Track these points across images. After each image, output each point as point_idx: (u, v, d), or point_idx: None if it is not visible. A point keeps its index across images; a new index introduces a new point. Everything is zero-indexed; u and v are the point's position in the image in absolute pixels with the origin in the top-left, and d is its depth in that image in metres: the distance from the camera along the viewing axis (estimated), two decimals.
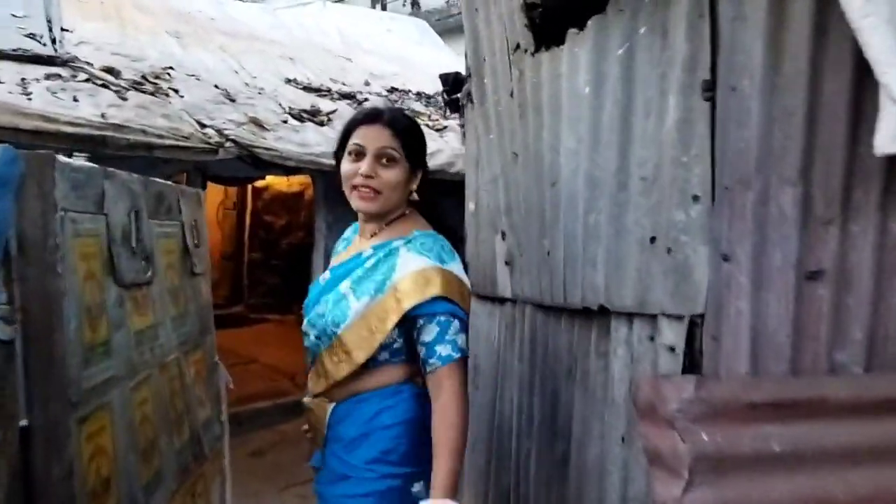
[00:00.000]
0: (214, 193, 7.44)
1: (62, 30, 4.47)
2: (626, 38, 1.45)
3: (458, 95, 2.61)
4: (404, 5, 12.22)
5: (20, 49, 3.67)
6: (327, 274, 1.51)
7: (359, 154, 1.40)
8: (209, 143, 3.55)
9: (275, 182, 7.14)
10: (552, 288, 1.69)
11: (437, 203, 1.62)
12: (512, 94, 1.87)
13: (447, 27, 10.96)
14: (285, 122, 4.20)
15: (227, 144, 3.58)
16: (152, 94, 3.84)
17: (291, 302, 7.07)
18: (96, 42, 4.52)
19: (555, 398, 1.71)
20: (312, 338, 1.44)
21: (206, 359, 2.06)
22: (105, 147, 3.22)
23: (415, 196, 1.51)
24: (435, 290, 1.36)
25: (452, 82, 2.72)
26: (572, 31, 1.60)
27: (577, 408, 1.58)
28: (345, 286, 1.41)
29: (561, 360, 1.69)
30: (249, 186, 7.04)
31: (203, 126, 3.65)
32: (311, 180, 4.75)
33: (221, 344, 2.26)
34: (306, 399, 1.53)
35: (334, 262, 1.55)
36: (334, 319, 1.39)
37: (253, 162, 3.82)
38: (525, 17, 1.72)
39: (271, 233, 7.21)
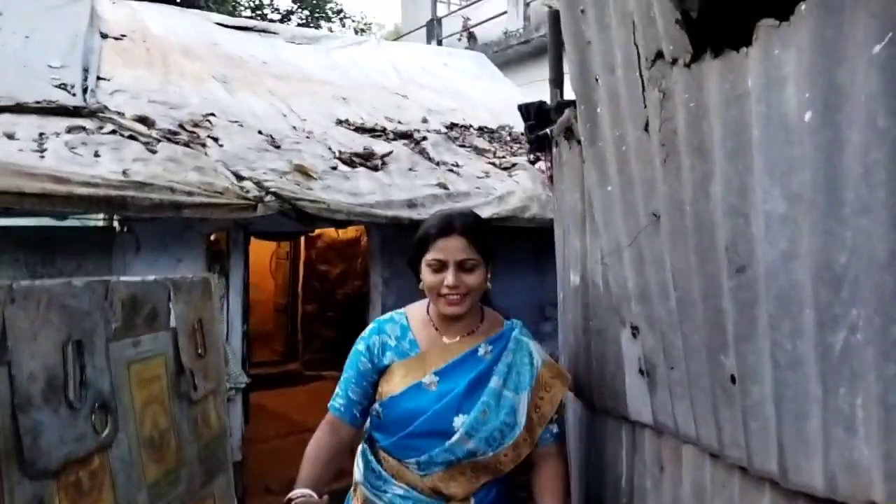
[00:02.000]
0: (266, 243, 7.07)
1: (98, 78, 4.15)
2: (889, 23, 0.83)
3: (549, 130, 2.00)
4: (460, 39, 11.85)
5: (45, 101, 3.31)
6: (434, 378, 1.49)
7: (440, 267, 1.46)
8: (247, 199, 3.05)
9: (328, 230, 6.71)
10: (749, 442, 1.03)
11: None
12: (647, 128, 1.25)
13: (506, 59, 10.49)
14: (335, 168, 3.70)
15: (268, 199, 3.08)
16: (186, 144, 3.41)
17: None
18: (133, 90, 4.18)
19: None
20: (471, 445, 1.44)
21: None
22: (125, 209, 2.77)
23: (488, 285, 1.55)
24: (567, 375, 1.61)
25: (536, 114, 2.12)
26: (768, 22, 0.97)
27: None
28: (497, 385, 1.47)
29: None
30: (303, 236, 6.63)
31: (241, 178, 3.17)
32: (366, 230, 4.22)
33: (275, 407, 1.97)
34: None
35: (420, 365, 1.51)
36: (505, 420, 1.46)
37: (298, 216, 3.30)
38: (675, 11, 1.09)
39: (326, 283, 6.75)
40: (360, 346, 1.59)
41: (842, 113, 0.85)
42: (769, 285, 0.97)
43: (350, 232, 6.91)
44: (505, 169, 4.42)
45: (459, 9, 13.30)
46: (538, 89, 8.79)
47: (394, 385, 1.50)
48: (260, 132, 4.02)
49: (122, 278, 1.18)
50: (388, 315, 1.64)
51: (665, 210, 1.23)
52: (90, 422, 0.97)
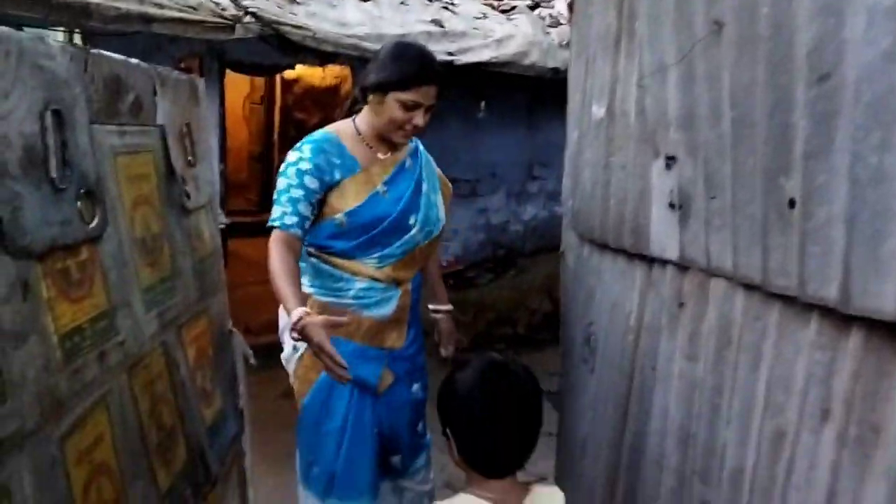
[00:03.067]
0: (240, 85, 6.64)
1: None
2: None
3: None
4: None
5: None
6: (384, 188, 1.67)
7: (413, 107, 1.57)
8: (224, 18, 2.75)
9: (306, 74, 6.28)
10: (804, 269, 0.96)
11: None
12: None
13: None
14: None
15: (247, 20, 2.78)
16: None
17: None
18: None
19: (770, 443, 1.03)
20: (420, 236, 1.69)
21: (213, 330, 1.41)
22: (89, 19, 2.46)
23: None
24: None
25: None
26: None
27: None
28: (425, 188, 1.73)
29: (800, 390, 0.99)
30: (278, 79, 6.21)
31: None
32: (351, 71, 3.94)
33: (252, 255, 2.02)
34: (402, 289, 1.72)
35: (368, 178, 1.66)
36: (437, 215, 1.76)
37: (280, 44, 3.02)
38: None
39: (303, 132, 6.35)
40: (303, 165, 1.59)
41: None
42: (859, 93, 0.85)
43: (329, 78, 6.52)
44: (504, 12, 4.09)
45: None
46: None
47: (350, 197, 1.62)
48: None
49: (104, 52, 1.00)
50: (318, 134, 1.67)
51: (732, 16, 1.08)
52: (76, 208, 0.84)
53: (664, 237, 1.34)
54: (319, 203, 1.62)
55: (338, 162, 1.63)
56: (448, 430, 1.12)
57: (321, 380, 1.70)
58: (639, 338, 1.48)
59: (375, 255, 1.66)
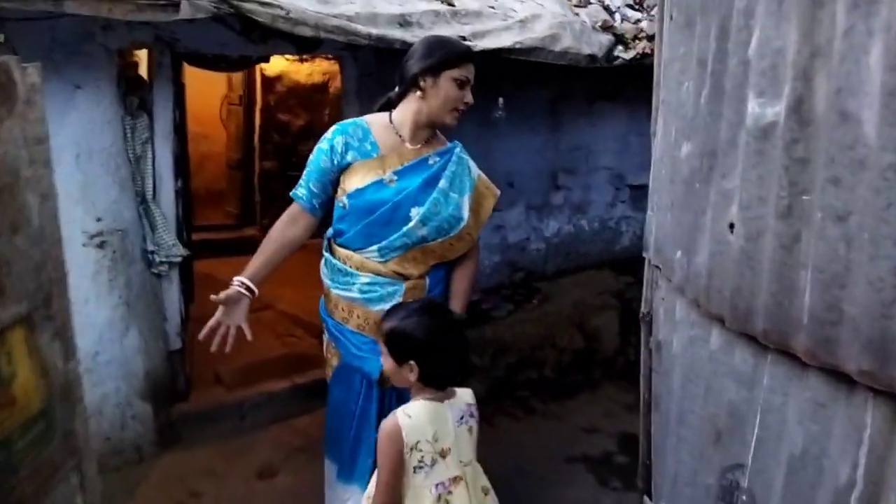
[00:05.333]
0: (216, 84, 5.92)
1: None
2: None
3: None
4: None
5: None
6: (393, 176, 1.72)
7: (463, 84, 1.72)
8: None
9: (290, 70, 5.56)
10: None
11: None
12: None
13: None
14: None
15: None
16: None
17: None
18: None
19: None
20: (424, 232, 1.71)
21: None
22: None
23: None
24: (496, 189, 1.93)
25: None
26: None
27: None
28: (443, 185, 1.75)
29: None
30: (258, 75, 5.49)
31: None
32: (339, 66, 3.23)
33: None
34: (408, 284, 1.74)
35: (380, 164, 1.73)
36: (453, 214, 1.76)
37: (243, 27, 2.32)
38: None
39: (287, 136, 5.72)
40: (323, 144, 1.78)
41: None
42: None
43: (316, 75, 5.80)
44: None
45: None
46: None
47: (356, 180, 1.71)
48: None
49: None
50: (350, 120, 1.82)
51: None
52: None
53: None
54: (335, 185, 1.78)
55: (356, 145, 1.74)
56: (412, 362, 1.45)
57: (338, 366, 1.87)
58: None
59: (374, 246, 1.71)
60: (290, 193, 1.80)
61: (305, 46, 2.55)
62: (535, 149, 3.74)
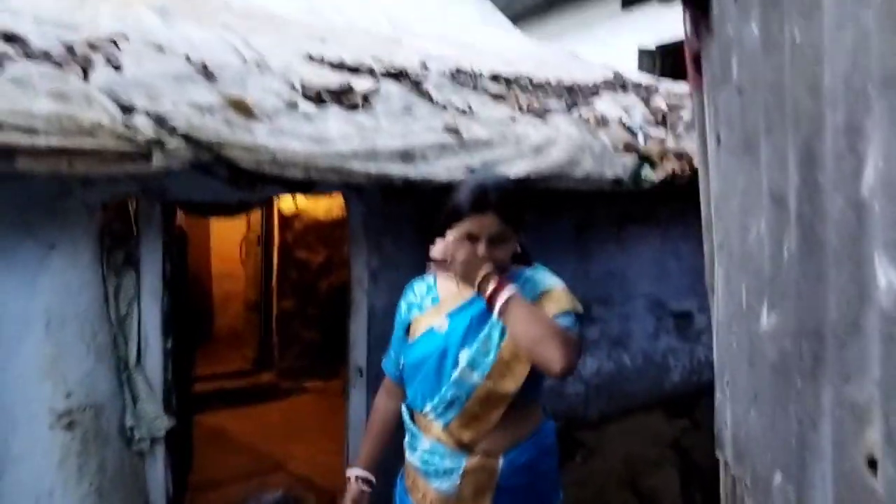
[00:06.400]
0: (236, 224, 5.85)
1: None
2: None
3: None
4: None
5: None
6: (445, 321, 1.54)
7: (471, 238, 1.48)
8: (133, 141, 1.85)
9: (308, 208, 5.47)
10: None
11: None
12: None
13: (513, 13, 9.18)
14: (294, 105, 2.48)
15: (172, 143, 1.89)
16: (59, 64, 2.20)
17: (335, 362, 5.36)
18: (16, 6, 2.96)
19: None
20: (476, 379, 1.47)
21: None
22: None
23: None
24: (576, 303, 1.57)
25: None
26: None
27: None
28: (493, 320, 1.49)
29: None
30: (276, 214, 5.41)
31: (128, 112, 1.96)
32: (344, 203, 3.01)
33: (240, 433, 1.45)
34: (470, 462, 1.48)
35: (437, 312, 1.58)
36: (498, 348, 1.49)
37: (231, 174, 2.11)
38: None
39: (306, 273, 5.53)
40: (400, 304, 1.71)
41: None
42: None
43: (335, 209, 5.69)
44: (535, 115, 3.21)
45: None
46: (551, 45, 7.51)
47: (414, 335, 1.61)
48: (188, 59, 2.79)
49: None
50: (423, 276, 1.73)
51: None
52: None
53: None
54: None
55: (417, 301, 1.65)
56: None
57: None
58: None
59: (430, 404, 1.54)
60: (382, 365, 1.76)
61: (299, 187, 2.33)
62: (562, 278, 3.39)
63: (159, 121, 1.95)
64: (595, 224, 3.43)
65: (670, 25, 8.55)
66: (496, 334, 1.49)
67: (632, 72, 6.80)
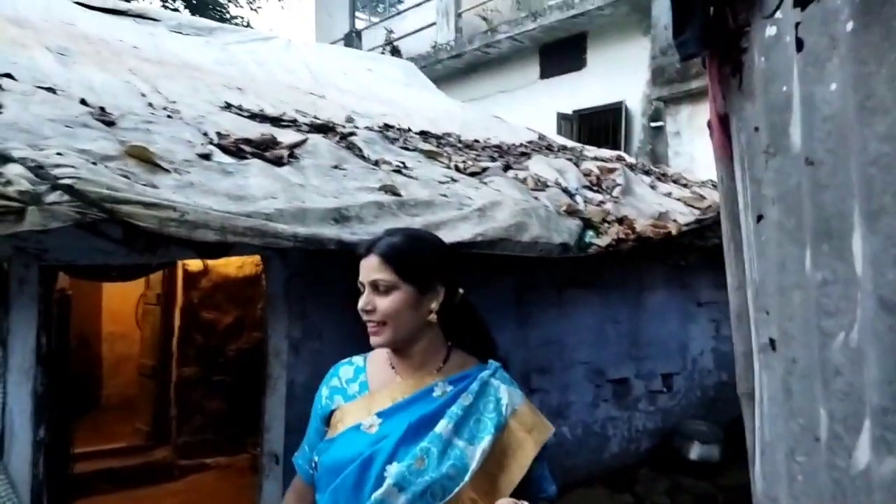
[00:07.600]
0: (134, 282, 5.27)
1: None
2: None
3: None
4: (383, 52, 10.53)
5: None
6: (376, 420, 1.26)
7: (362, 289, 1.31)
8: (2, 195, 1.49)
9: (217, 264, 5.01)
10: None
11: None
12: None
13: (434, 74, 9.23)
14: (206, 157, 2.18)
15: (50, 198, 1.54)
16: None
17: (243, 436, 4.84)
18: None
19: None
20: (401, 499, 1.16)
21: None
22: None
23: (433, 318, 1.29)
24: (548, 425, 1.32)
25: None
26: None
27: None
28: (444, 430, 1.21)
29: None
30: (180, 272, 4.92)
31: (1, 160, 1.60)
32: (263, 265, 2.68)
33: None
34: None
35: (366, 405, 1.29)
36: (449, 473, 1.18)
37: (127, 235, 1.77)
38: None
39: (212, 337, 5.03)
40: (320, 389, 1.40)
41: None
42: None
43: (248, 266, 5.27)
44: (473, 175, 3.04)
45: (381, 21, 12.03)
46: (475, 108, 7.56)
47: (334, 430, 1.31)
48: (84, 102, 2.44)
49: None
50: (350, 357, 1.44)
51: None
52: None
53: None
54: None
55: (343, 387, 1.36)
56: None
57: None
58: None
59: None
60: (292, 459, 1.43)
61: (212, 251, 2.00)
62: (502, 347, 3.17)
63: (39, 173, 1.60)
64: (536, 287, 3.27)
65: (587, 92, 8.87)
66: (436, 451, 1.19)
67: (554, 135, 6.91)
